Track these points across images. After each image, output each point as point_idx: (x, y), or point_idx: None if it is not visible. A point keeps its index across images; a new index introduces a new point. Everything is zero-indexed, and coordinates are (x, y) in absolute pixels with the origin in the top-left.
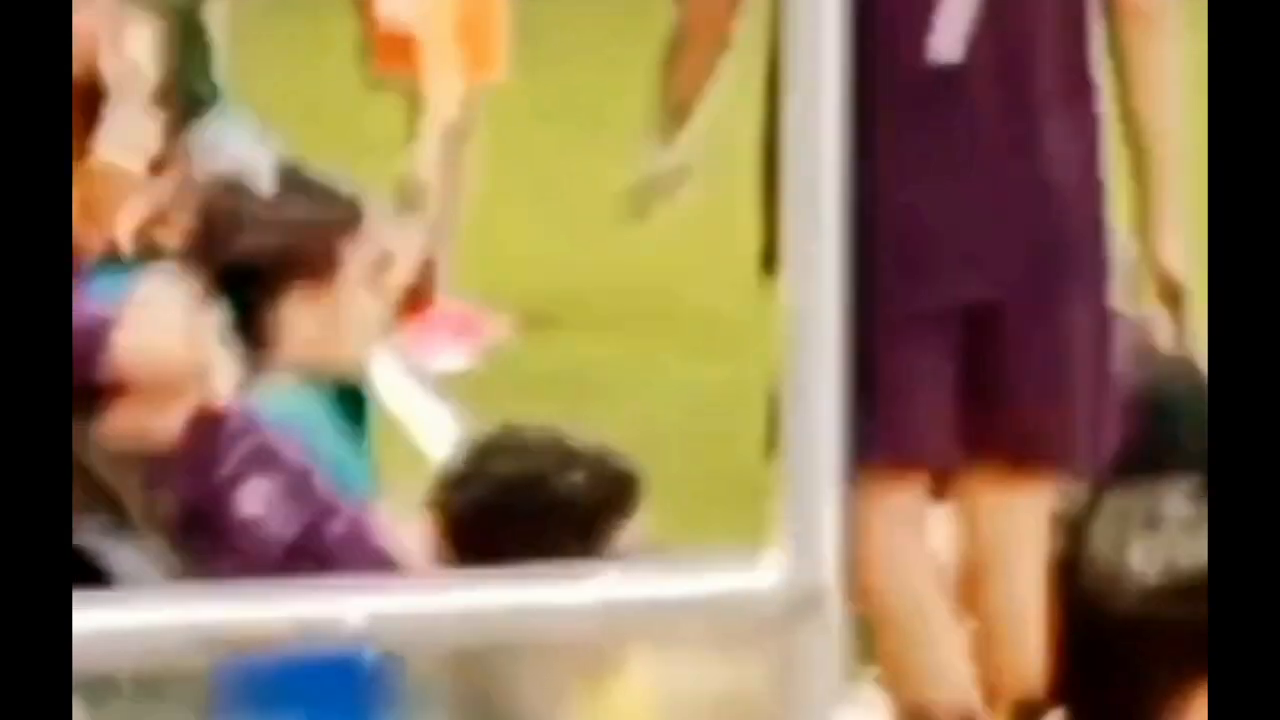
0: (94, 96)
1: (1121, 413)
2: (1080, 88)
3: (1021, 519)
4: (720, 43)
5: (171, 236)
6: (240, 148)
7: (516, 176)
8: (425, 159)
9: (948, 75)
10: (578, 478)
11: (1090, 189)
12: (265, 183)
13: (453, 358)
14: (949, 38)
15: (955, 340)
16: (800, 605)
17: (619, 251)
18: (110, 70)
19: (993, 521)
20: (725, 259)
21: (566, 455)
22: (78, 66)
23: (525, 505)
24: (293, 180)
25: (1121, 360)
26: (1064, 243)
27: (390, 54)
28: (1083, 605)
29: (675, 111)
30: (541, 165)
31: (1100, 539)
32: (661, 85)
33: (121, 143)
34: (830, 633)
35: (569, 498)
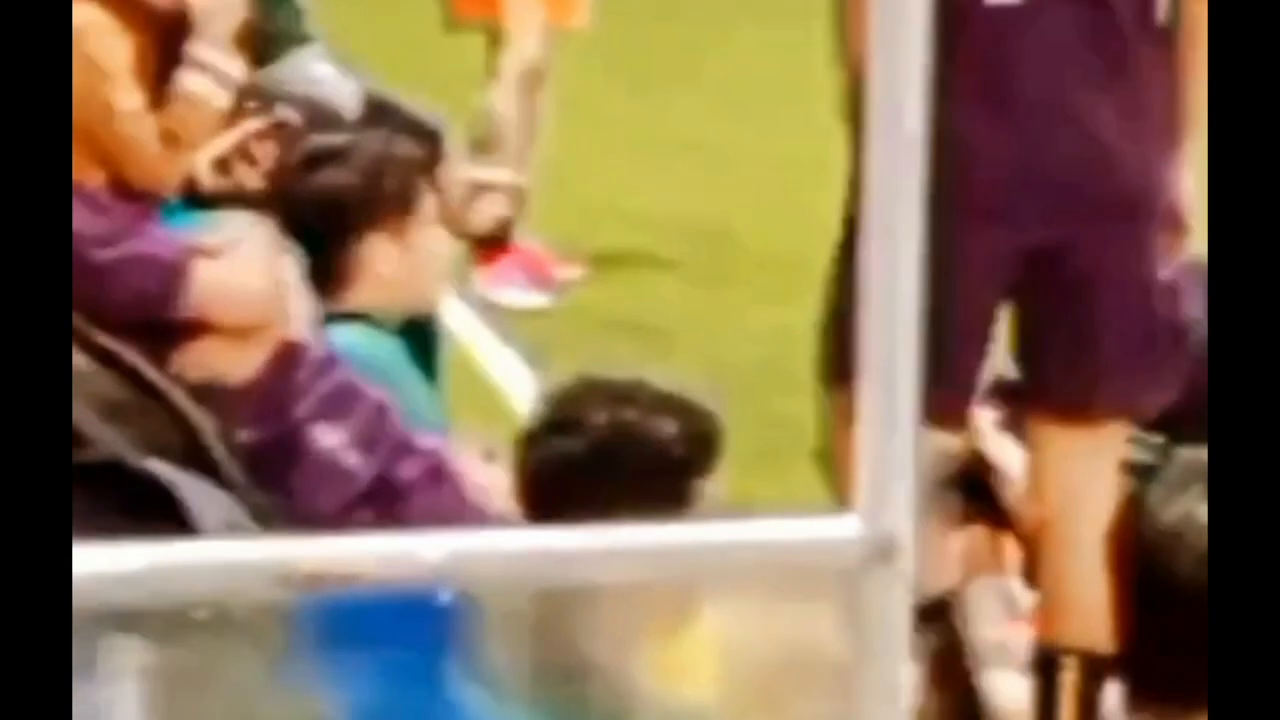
0: (180, 28)
1: (1191, 364)
2: (1152, 37)
3: (1090, 468)
4: None
5: (253, 173)
6: (325, 83)
7: (591, 122)
8: (503, 98)
9: (1018, 12)
10: (669, 427)
11: (1166, 138)
12: (349, 116)
13: (528, 298)
14: None
15: (1018, 281)
16: (873, 555)
17: (689, 196)
18: (197, 2)
19: (1061, 472)
20: (796, 203)
21: (655, 404)
22: None
23: (619, 457)
24: (378, 112)
25: (1193, 312)
26: (1135, 192)
27: None
28: (1146, 565)
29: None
30: (616, 112)
31: (1164, 498)
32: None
33: (206, 76)
34: (902, 583)
35: (661, 448)
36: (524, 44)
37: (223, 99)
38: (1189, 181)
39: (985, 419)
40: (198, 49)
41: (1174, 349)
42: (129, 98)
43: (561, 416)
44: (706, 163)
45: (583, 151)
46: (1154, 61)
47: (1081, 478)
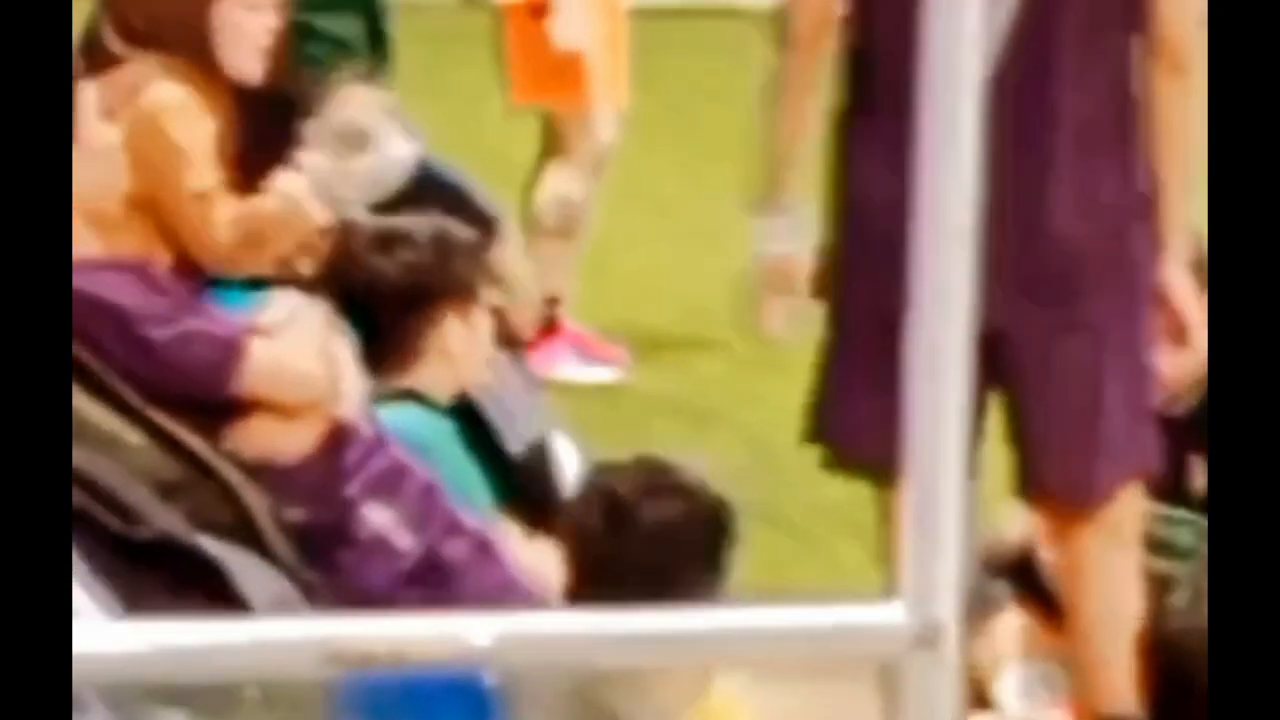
0: (276, 110)
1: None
2: (1120, 120)
3: (1108, 554)
4: (815, 90)
5: (309, 263)
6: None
7: (636, 203)
8: (579, 183)
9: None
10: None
11: (1123, 214)
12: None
13: (589, 373)
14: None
15: (999, 367)
16: (919, 641)
17: (730, 275)
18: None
19: (1077, 561)
20: None
21: (691, 482)
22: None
23: (663, 549)
24: (443, 194)
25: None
26: (1077, 271)
27: (548, 79)
28: (1169, 647)
29: (779, 163)
30: (661, 192)
31: (1189, 601)
32: (764, 138)
33: (306, 181)
34: (948, 669)
35: (725, 517)
36: (601, 129)
37: (318, 212)
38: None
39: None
40: (307, 155)
41: (1142, 429)
42: (204, 178)
43: (609, 518)
44: (751, 244)
45: (628, 232)
46: (1119, 139)
47: (1100, 564)
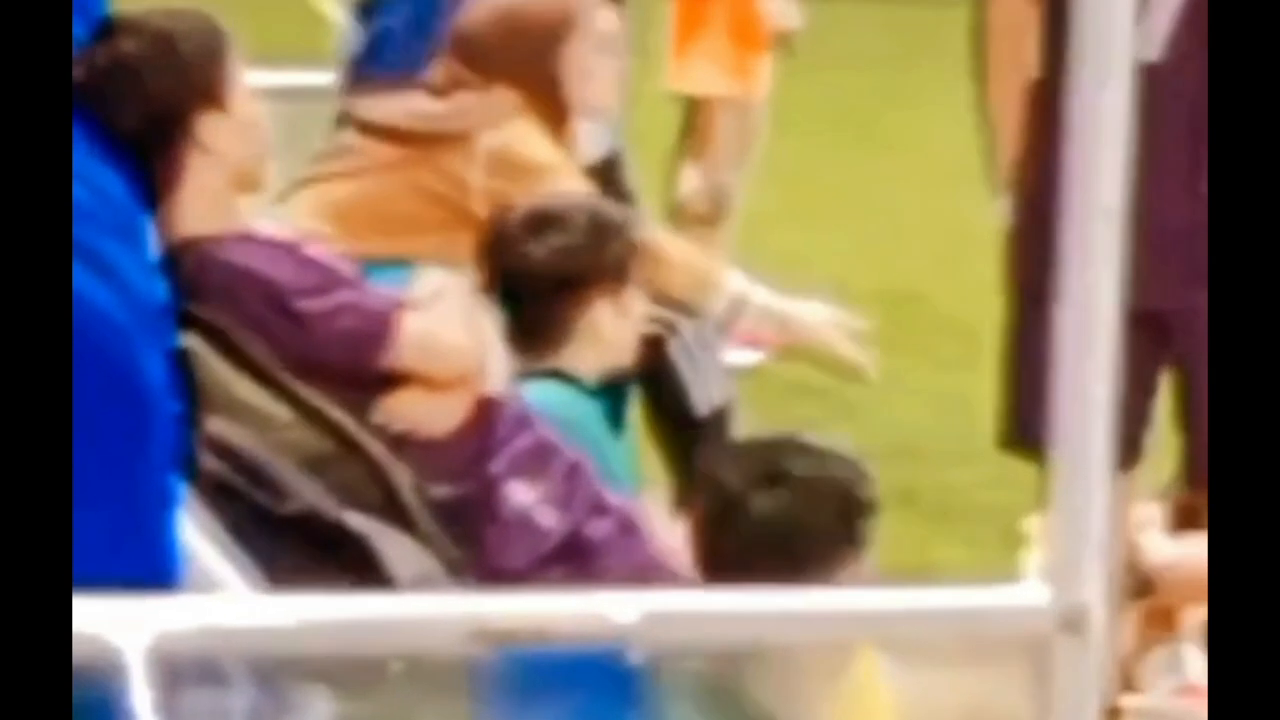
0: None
1: None
2: None
3: None
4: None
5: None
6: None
7: (775, 185)
8: (727, 171)
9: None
10: (855, 474)
11: None
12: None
13: (740, 356)
14: (1151, 33)
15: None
16: (1064, 625)
17: (874, 260)
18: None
19: None
20: (982, 269)
21: (838, 456)
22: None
23: (821, 507)
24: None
25: None
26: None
27: (712, 64)
28: None
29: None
30: (800, 175)
31: None
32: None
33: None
34: (1093, 651)
35: (860, 495)
36: (753, 115)
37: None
38: None
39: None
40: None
41: None
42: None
43: (768, 471)
44: (893, 227)
45: (767, 215)
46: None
47: None
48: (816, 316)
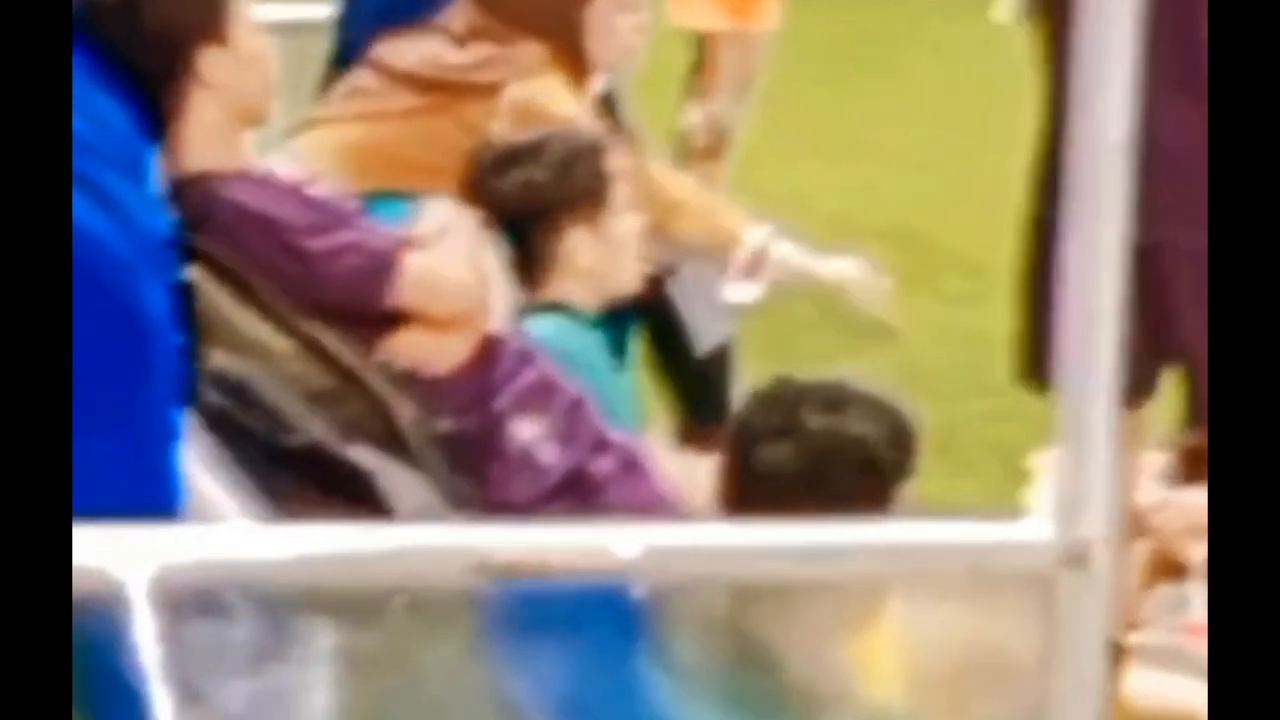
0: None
1: None
2: None
3: None
4: None
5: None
6: None
7: (782, 120)
8: (726, 105)
9: None
10: (882, 430)
11: None
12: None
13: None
14: None
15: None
16: (1068, 560)
17: (882, 196)
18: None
19: None
20: (990, 205)
21: (863, 408)
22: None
23: (832, 463)
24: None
25: None
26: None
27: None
28: None
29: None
30: (806, 110)
31: None
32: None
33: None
34: (1097, 587)
35: (871, 453)
36: (755, 50)
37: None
38: None
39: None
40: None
41: None
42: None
43: (776, 422)
44: (899, 162)
45: (773, 150)
46: None
47: None
48: (841, 271)
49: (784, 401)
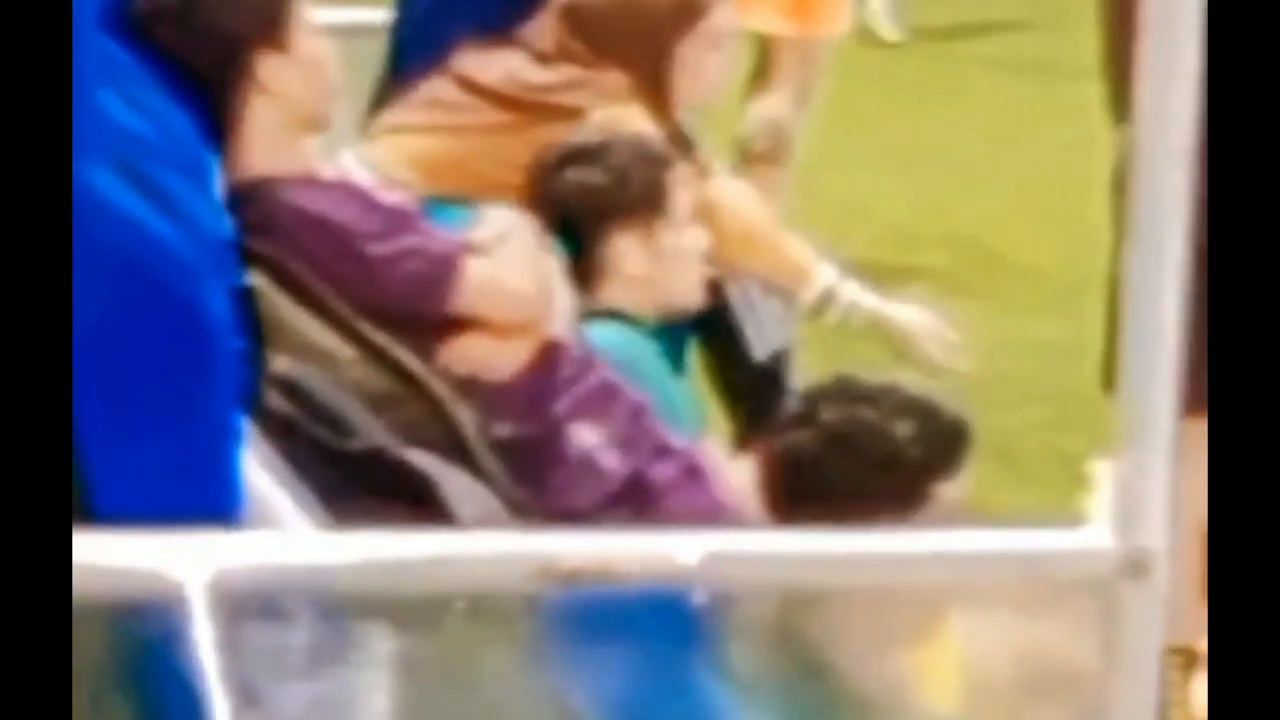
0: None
1: None
2: None
3: None
4: None
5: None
6: None
7: (846, 127)
8: (788, 109)
9: None
10: (908, 428)
11: None
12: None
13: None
14: None
15: None
16: (1127, 569)
17: (943, 205)
18: None
19: None
20: (1051, 216)
21: (900, 405)
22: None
23: (850, 451)
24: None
25: None
26: None
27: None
28: None
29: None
30: (871, 117)
31: None
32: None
33: None
34: (1158, 596)
35: (897, 447)
36: (819, 54)
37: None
38: None
39: None
40: None
41: None
42: None
43: (801, 411)
44: (961, 171)
45: (835, 158)
46: None
47: None
48: (909, 318)
49: (813, 394)
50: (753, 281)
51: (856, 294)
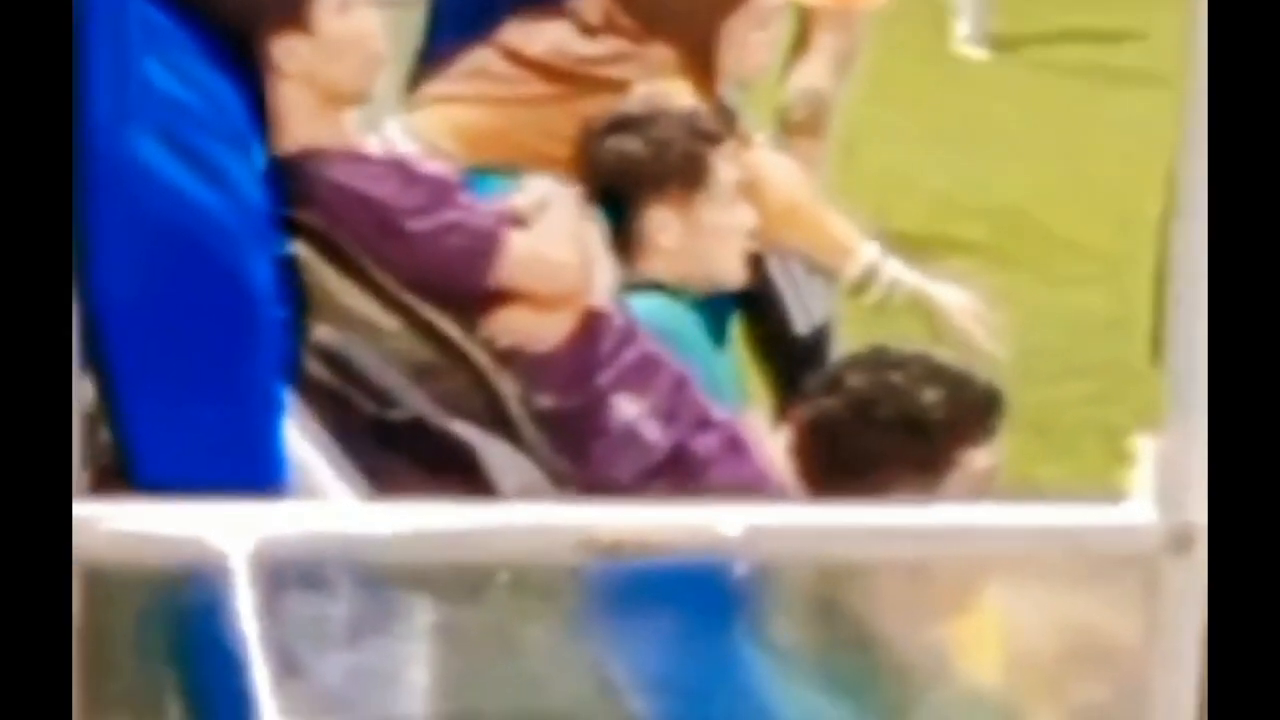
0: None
1: None
2: None
3: None
4: None
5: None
6: None
7: (890, 99)
8: (827, 79)
9: None
10: (935, 394)
11: None
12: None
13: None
14: None
15: None
16: (1172, 542)
17: (990, 178)
18: None
19: None
20: (1095, 188)
21: (928, 372)
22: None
23: (874, 416)
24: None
25: None
26: None
27: None
28: None
29: None
30: (913, 89)
31: None
32: None
33: None
34: (1199, 572)
35: (921, 410)
36: (858, 23)
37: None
38: None
39: None
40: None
41: None
42: None
43: (831, 378)
44: (1004, 143)
45: (878, 130)
46: None
47: None
48: (950, 299)
49: (844, 363)
50: (794, 257)
51: (899, 271)
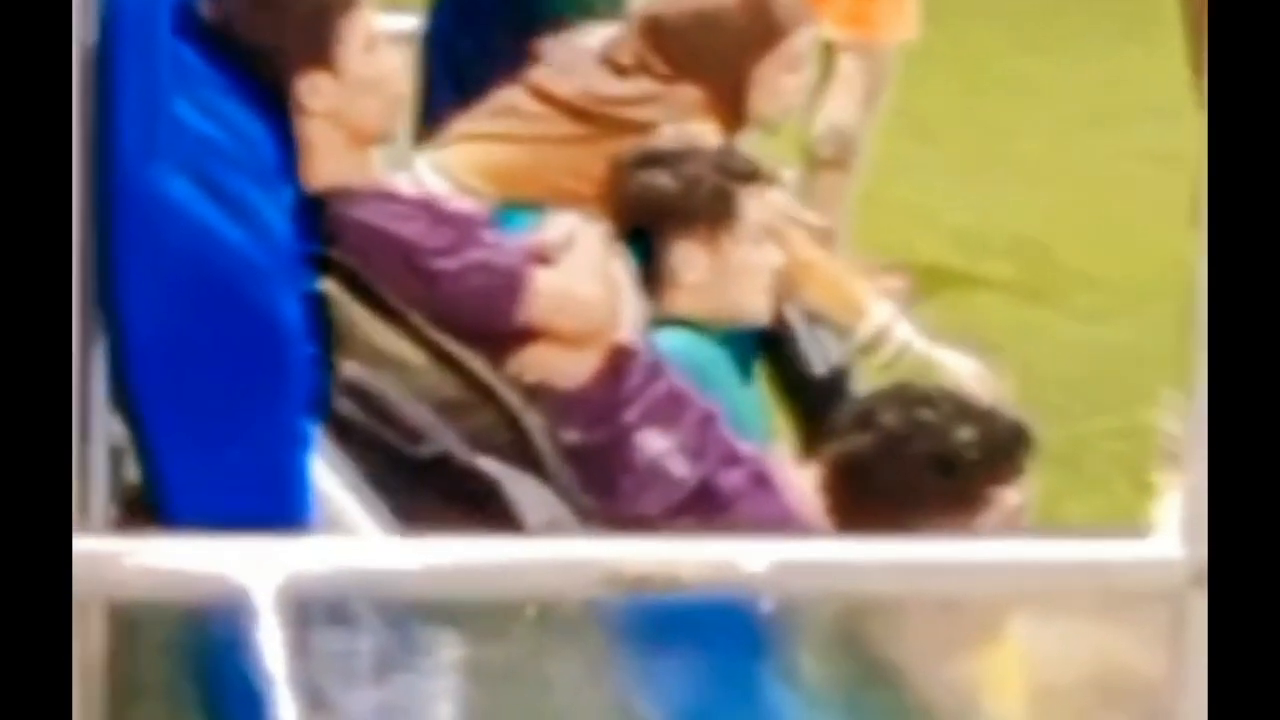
0: None
1: None
2: None
3: None
4: None
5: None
6: None
7: (914, 133)
8: (853, 114)
9: None
10: (968, 432)
11: None
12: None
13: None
14: None
15: None
16: (1197, 577)
17: (1012, 211)
18: None
19: None
20: (1118, 224)
21: (959, 410)
22: None
23: (907, 453)
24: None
25: None
26: None
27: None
28: None
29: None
30: (939, 123)
31: None
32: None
33: None
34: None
35: (956, 450)
36: (885, 59)
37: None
38: None
39: None
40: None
41: None
42: None
43: (861, 414)
44: (1027, 177)
45: (901, 164)
46: None
47: None
48: (958, 366)
49: (873, 399)
50: (807, 311)
51: (909, 335)
